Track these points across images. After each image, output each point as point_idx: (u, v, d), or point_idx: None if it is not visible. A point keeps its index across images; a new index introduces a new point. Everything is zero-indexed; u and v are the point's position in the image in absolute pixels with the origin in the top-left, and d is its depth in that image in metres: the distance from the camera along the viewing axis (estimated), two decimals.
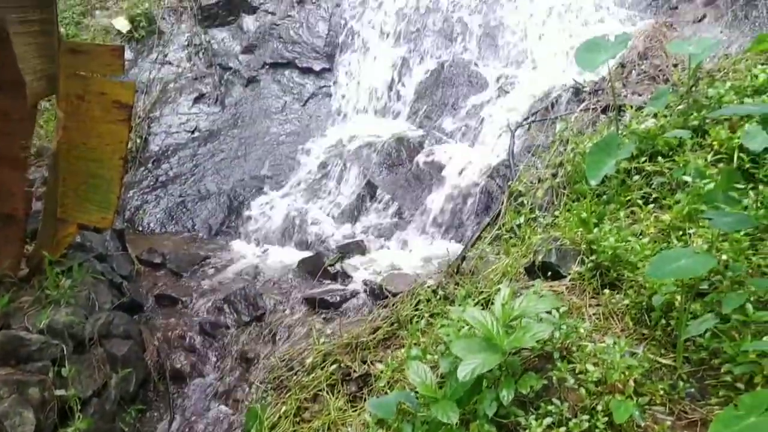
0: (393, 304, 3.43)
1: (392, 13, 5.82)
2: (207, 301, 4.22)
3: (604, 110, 4.29)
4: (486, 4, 5.63)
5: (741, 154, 3.05)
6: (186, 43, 6.25)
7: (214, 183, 5.51)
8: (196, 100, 5.97)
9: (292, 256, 4.74)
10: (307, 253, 4.67)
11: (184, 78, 6.08)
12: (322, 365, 3.17)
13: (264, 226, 5.09)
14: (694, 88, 3.74)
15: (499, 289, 2.51)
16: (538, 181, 3.87)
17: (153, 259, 4.70)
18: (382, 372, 2.81)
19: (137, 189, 5.52)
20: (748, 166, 3.01)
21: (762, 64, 3.64)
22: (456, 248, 3.94)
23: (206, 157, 5.67)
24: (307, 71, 5.94)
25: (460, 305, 2.85)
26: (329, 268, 4.31)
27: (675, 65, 4.47)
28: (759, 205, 2.73)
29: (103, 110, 3.30)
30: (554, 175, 3.81)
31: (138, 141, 5.67)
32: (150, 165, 5.63)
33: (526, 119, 4.60)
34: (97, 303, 3.62)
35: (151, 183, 5.57)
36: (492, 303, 2.46)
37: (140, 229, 5.31)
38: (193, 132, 5.82)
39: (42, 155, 4.98)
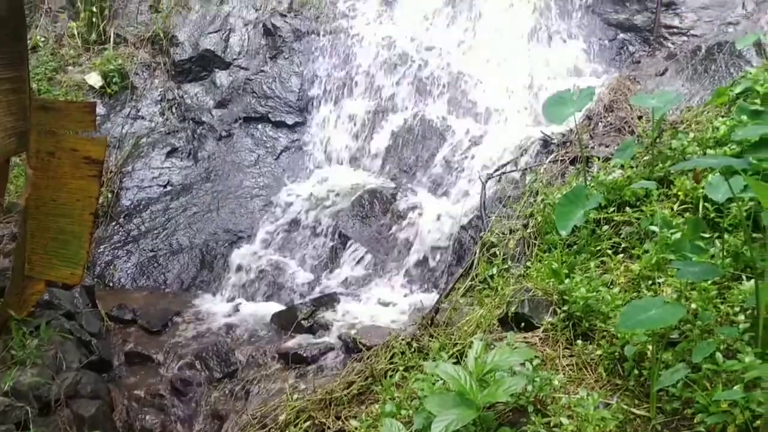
0: (367, 358, 3.40)
1: (364, 67, 5.92)
2: (178, 357, 4.14)
3: (573, 161, 4.37)
4: (456, 59, 5.76)
5: (706, 204, 3.12)
6: (159, 98, 6.28)
7: (186, 237, 5.48)
8: (169, 154, 5.97)
9: (265, 309, 4.69)
10: (280, 307, 4.64)
11: (157, 132, 6.09)
12: (296, 422, 3.11)
13: (237, 280, 5.05)
14: (658, 140, 3.84)
15: (472, 342, 2.51)
16: (510, 232, 3.90)
17: (123, 316, 4.63)
18: (356, 429, 2.77)
19: (108, 244, 5.46)
20: (713, 215, 3.08)
21: (722, 117, 3.76)
22: (430, 299, 3.94)
23: (178, 211, 5.64)
24: (280, 125, 5.99)
25: (434, 358, 2.84)
26: (303, 321, 4.28)
27: (639, 117, 4.60)
28: (725, 253, 2.78)
29: (73, 166, 3.29)
30: (525, 226, 3.85)
31: (109, 196, 5.63)
32: (121, 220, 5.58)
33: (496, 171, 4.66)
34: (65, 362, 3.53)
35: (123, 238, 5.52)
36: (466, 356, 2.45)
37: (111, 284, 5.23)
38: (165, 186, 5.80)
39: (11, 212, 4.91)
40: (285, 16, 6.31)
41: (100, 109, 6.15)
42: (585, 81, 5.40)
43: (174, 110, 6.22)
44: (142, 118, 6.19)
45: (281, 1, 6.45)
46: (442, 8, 6.03)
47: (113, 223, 5.61)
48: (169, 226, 5.56)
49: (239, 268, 5.13)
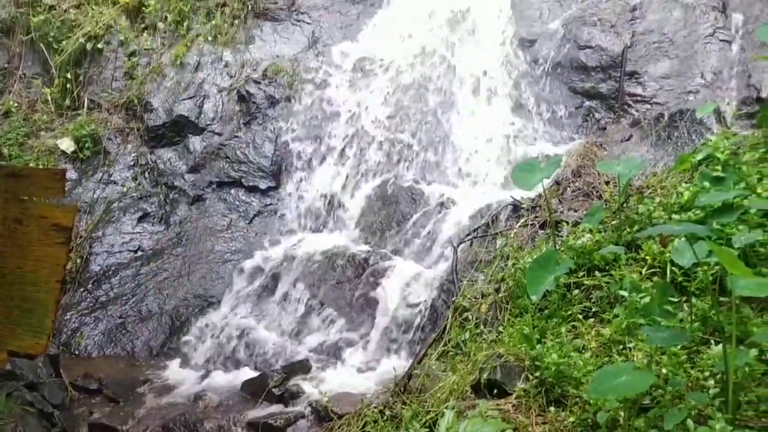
0: (339, 427, 3.33)
1: (337, 133, 6.00)
2: (144, 428, 4.02)
3: (543, 226, 4.43)
4: (427, 126, 5.86)
5: (673, 268, 3.17)
6: (132, 162, 6.28)
7: (156, 303, 5.39)
8: (140, 219, 5.93)
9: (235, 377, 4.60)
10: (251, 374, 4.54)
11: (129, 197, 6.07)
12: None
13: (207, 347, 4.97)
14: (625, 205, 3.92)
15: (444, 412, 2.48)
16: (482, 297, 3.92)
17: (88, 385, 4.50)
18: None
19: (75, 311, 5.35)
20: (680, 279, 3.13)
21: (686, 182, 3.86)
22: (403, 365, 3.90)
23: (149, 276, 5.57)
24: (253, 190, 6.00)
25: (406, 428, 2.80)
26: (274, 389, 4.19)
27: (607, 182, 4.69)
28: (693, 317, 2.82)
29: (41, 233, 3.23)
30: (497, 290, 3.87)
31: (78, 261, 5.55)
32: (90, 286, 5.50)
33: (468, 235, 4.70)
34: None
35: (91, 304, 5.42)
36: (438, 425, 2.42)
37: (77, 352, 5.10)
38: (136, 251, 5.74)
39: None
40: (259, 83, 6.40)
41: (72, 174, 6.13)
42: (553, 147, 5.53)
43: (147, 175, 6.22)
44: (114, 182, 6.17)
45: (255, 68, 6.56)
46: (414, 80, 6.14)
47: (81, 290, 5.52)
48: (139, 292, 5.48)
49: (210, 335, 5.05)
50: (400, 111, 6.03)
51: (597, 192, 4.66)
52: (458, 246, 4.56)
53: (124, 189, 6.10)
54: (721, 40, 5.55)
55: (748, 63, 5.27)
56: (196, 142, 6.30)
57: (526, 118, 5.82)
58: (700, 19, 5.64)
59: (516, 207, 4.77)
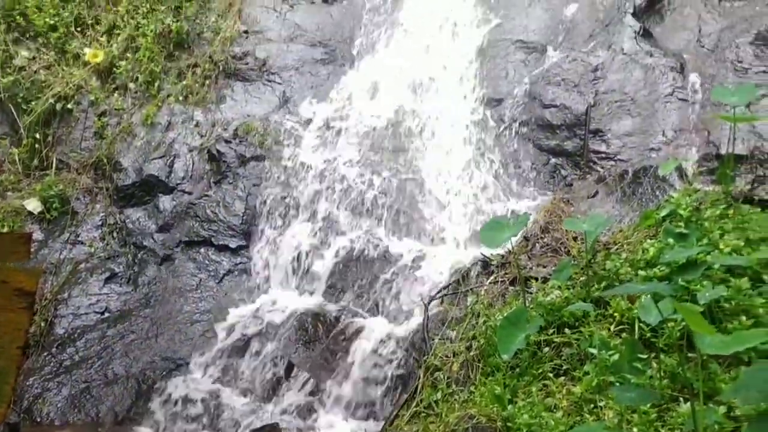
0: None
1: (307, 192, 6.02)
2: None
3: (512, 282, 4.46)
4: (397, 183, 5.91)
5: (641, 324, 3.19)
6: (100, 222, 6.22)
7: (122, 366, 5.27)
8: (108, 280, 5.84)
9: None
10: None
11: (96, 258, 5.98)
12: None
13: (173, 411, 4.84)
14: (592, 261, 3.97)
15: None
16: (453, 355, 3.90)
17: None
18: None
19: (38, 376, 5.19)
20: (648, 335, 3.15)
21: (651, 238, 3.93)
22: (375, 427, 3.84)
23: (115, 339, 5.46)
24: (223, 248, 5.96)
25: None
26: None
27: (575, 238, 4.76)
28: (662, 374, 2.83)
29: (3, 299, 3.19)
30: (468, 349, 3.85)
31: (42, 325, 5.42)
32: (54, 349, 5.35)
33: (438, 293, 4.70)
34: None
35: (54, 368, 5.26)
36: None
37: (39, 419, 4.93)
38: (102, 313, 5.63)
39: None
40: (230, 142, 6.43)
41: (38, 235, 6.04)
42: (522, 203, 5.61)
43: (115, 235, 6.15)
44: (82, 243, 6.09)
45: (226, 127, 6.59)
46: (383, 139, 6.22)
47: (45, 354, 5.36)
48: (105, 355, 5.35)
49: (177, 398, 4.92)
50: (370, 168, 6.09)
51: (565, 248, 4.71)
52: (429, 303, 4.56)
53: (92, 249, 6.02)
54: (680, 99, 5.72)
55: (707, 121, 5.43)
56: (165, 202, 6.28)
57: (494, 176, 5.91)
58: (660, 79, 5.82)
59: (486, 263, 4.80)
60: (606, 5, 6.43)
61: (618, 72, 5.97)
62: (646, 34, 6.17)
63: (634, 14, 6.25)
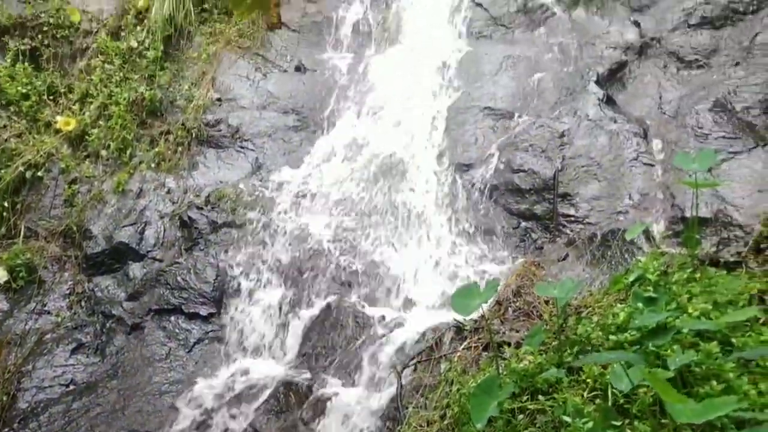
0: None
1: (279, 258, 6.00)
2: None
3: (486, 348, 4.44)
4: (370, 248, 5.93)
5: (614, 390, 3.19)
6: (68, 291, 6.12)
7: None
8: (74, 350, 5.71)
9: None
10: None
11: (63, 328, 5.86)
12: None
13: None
14: (564, 326, 3.98)
15: None
16: (428, 424, 3.84)
17: None
18: None
19: None
20: (622, 401, 3.14)
21: (621, 302, 3.96)
22: None
23: (80, 412, 5.29)
24: (194, 317, 5.88)
25: None
26: None
27: (546, 302, 4.78)
28: None
29: None
30: (442, 417, 3.80)
31: (5, 399, 5.25)
32: (16, 425, 5.17)
33: (411, 360, 4.66)
34: None
35: None
36: None
37: None
38: (67, 386, 5.48)
39: None
40: (202, 208, 6.43)
41: (3, 305, 5.93)
42: (493, 267, 5.64)
43: (83, 304, 6.05)
44: (48, 312, 5.97)
45: (198, 194, 6.60)
46: (356, 204, 6.27)
47: (7, 429, 5.19)
48: (70, 430, 5.18)
49: None
50: (344, 234, 6.10)
51: (537, 311, 4.72)
52: (402, 371, 4.51)
53: (59, 319, 5.90)
54: (644, 164, 5.87)
55: (671, 185, 5.57)
56: (136, 269, 6.21)
57: (466, 240, 5.96)
58: (624, 144, 5.98)
59: (459, 329, 4.78)
60: (570, 73, 6.64)
61: (584, 137, 6.12)
62: (609, 101, 6.37)
63: (597, 82, 6.46)
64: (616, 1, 6.91)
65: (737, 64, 6.15)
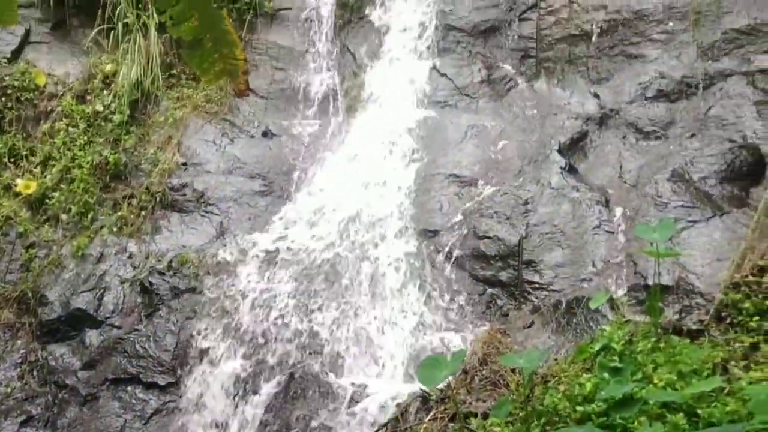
0: None
1: (243, 326, 5.87)
2: None
3: (452, 419, 4.36)
4: (336, 316, 5.84)
5: None
6: (19, 360, 5.90)
7: None
8: (24, 423, 5.47)
9: None
10: None
11: (13, 399, 5.62)
12: None
13: None
14: (531, 396, 3.94)
15: None
16: None
17: None
18: None
19: None
20: None
21: (587, 372, 3.95)
22: None
23: None
24: (151, 386, 5.69)
25: None
26: None
27: (513, 370, 4.73)
28: None
29: None
30: None
31: None
32: None
33: (377, 431, 4.55)
34: None
35: None
36: None
37: None
38: None
39: None
40: (163, 274, 6.31)
41: None
42: (459, 335, 5.59)
43: (35, 373, 5.83)
44: None
45: (161, 259, 6.49)
46: (322, 272, 6.22)
47: None
48: None
49: None
50: (310, 300, 6.02)
51: (504, 380, 4.68)
52: None
53: (8, 390, 5.67)
54: (607, 231, 5.96)
55: (634, 252, 5.64)
56: (92, 337, 6.03)
57: (432, 307, 5.92)
58: (587, 212, 6.08)
59: (425, 399, 4.69)
60: (533, 143, 6.77)
61: (547, 205, 6.20)
62: (571, 170, 6.49)
63: (559, 151, 6.59)
64: (576, 73, 7.13)
65: (693, 135, 6.35)
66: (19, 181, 6.86)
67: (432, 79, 7.39)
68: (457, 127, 7.04)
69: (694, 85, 6.56)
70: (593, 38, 7.06)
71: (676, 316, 5.07)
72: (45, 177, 7.00)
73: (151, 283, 6.25)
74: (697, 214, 5.73)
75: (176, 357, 5.81)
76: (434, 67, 7.43)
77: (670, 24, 6.82)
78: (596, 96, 6.95)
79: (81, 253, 6.50)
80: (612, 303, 5.08)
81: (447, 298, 6.02)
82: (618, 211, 6.08)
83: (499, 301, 5.95)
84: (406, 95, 7.39)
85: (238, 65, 3.89)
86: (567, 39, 7.17)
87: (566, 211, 6.12)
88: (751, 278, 4.68)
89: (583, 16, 7.12)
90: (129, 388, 5.70)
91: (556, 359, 4.75)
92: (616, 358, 3.64)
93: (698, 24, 6.71)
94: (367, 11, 7.86)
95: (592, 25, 7.07)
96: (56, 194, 6.84)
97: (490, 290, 6.02)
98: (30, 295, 6.24)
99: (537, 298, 5.80)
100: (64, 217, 6.80)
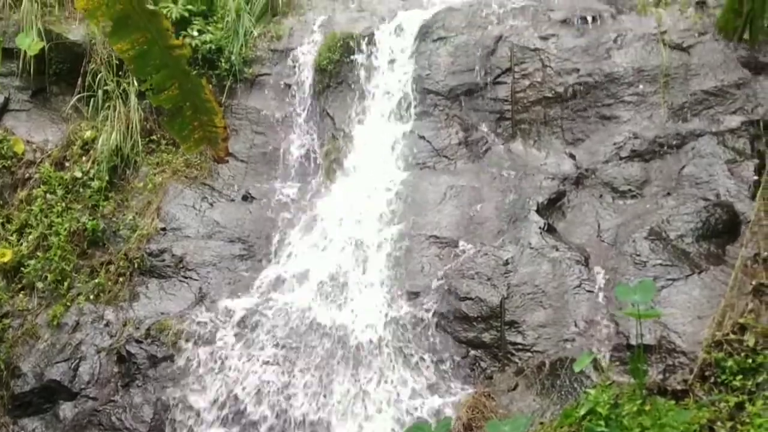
0: None
1: (221, 393, 5.75)
2: None
3: None
4: (315, 382, 5.74)
5: None
6: None
7: None
8: None
9: None
10: None
11: None
12: None
13: None
14: None
15: None
16: None
17: None
18: None
19: None
20: None
21: None
22: None
23: None
24: None
25: None
26: None
27: None
28: None
29: None
30: None
31: None
32: None
33: None
34: None
35: None
36: None
37: None
38: None
39: None
40: (141, 342, 6.19)
41: None
42: (443, 400, 5.51)
43: None
44: None
45: (138, 326, 6.38)
46: (303, 337, 6.14)
47: None
48: None
49: None
50: (289, 368, 5.93)
51: None
52: None
53: None
54: (587, 291, 5.97)
55: (615, 312, 5.64)
56: (67, 409, 5.86)
57: (414, 371, 5.84)
58: (567, 272, 6.09)
59: None
60: (512, 203, 6.81)
61: (528, 265, 6.22)
62: (550, 230, 6.53)
63: (538, 211, 6.65)
64: (551, 134, 7.25)
65: (668, 194, 6.45)
66: None
67: (410, 142, 7.47)
68: (437, 188, 7.09)
69: (666, 145, 6.70)
70: (567, 100, 7.21)
71: (660, 376, 5.05)
72: (21, 245, 6.92)
73: (128, 352, 6.13)
74: (675, 272, 5.78)
75: (153, 428, 5.66)
76: (412, 130, 7.52)
77: (641, 86, 7.01)
78: (572, 156, 7.06)
79: (56, 322, 6.38)
80: (596, 364, 5.06)
81: (430, 361, 5.94)
82: (598, 270, 6.11)
83: (482, 363, 5.89)
84: (385, 157, 7.45)
85: (217, 133, 3.93)
86: (541, 101, 7.32)
87: (547, 271, 6.14)
88: (732, 336, 4.71)
89: (556, 79, 7.29)
90: None
91: (542, 423, 4.70)
92: (602, 422, 3.61)
93: (668, 86, 6.91)
94: (345, 76, 7.99)
95: (565, 88, 7.23)
96: (32, 262, 6.74)
97: (473, 352, 5.97)
98: (2, 366, 6.08)
99: (521, 359, 5.76)
100: (39, 285, 6.69)
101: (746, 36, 6.74)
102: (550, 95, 7.29)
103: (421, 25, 7.90)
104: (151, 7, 3.68)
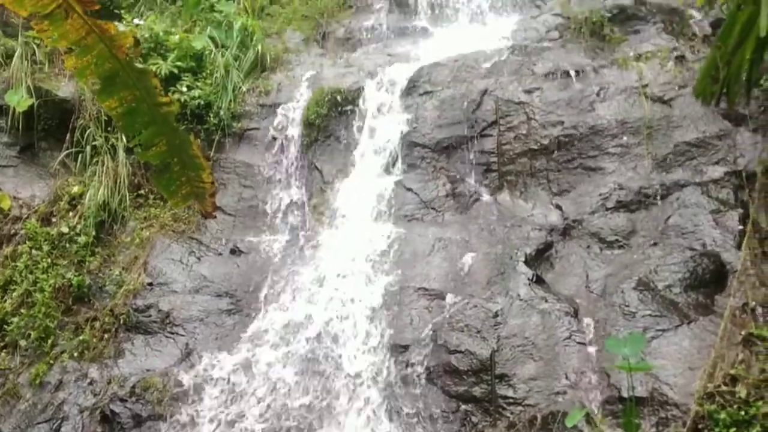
0: None
1: None
2: None
3: None
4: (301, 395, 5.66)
5: None
6: None
7: None
8: None
9: None
10: None
11: None
12: None
13: None
14: None
15: None
16: None
17: None
18: None
19: None
20: None
21: None
22: None
23: None
24: None
25: None
26: None
27: None
28: None
29: None
30: None
31: None
32: None
33: None
34: None
35: None
36: None
37: None
38: None
39: None
40: (126, 400, 6.07)
41: None
42: None
43: None
44: None
45: (123, 384, 6.26)
46: (292, 395, 6.05)
47: None
48: None
49: None
50: (278, 423, 5.83)
51: None
52: None
53: None
54: (578, 342, 5.94)
55: (605, 364, 5.60)
56: None
57: (403, 426, 5.75)
58: (556, 324, 6.07)
59: None
60: (500, 254, 6.81)
61: (517, 317, 6.18)
62: (539, 281, 6.53)
63: (526, 262, 6.65)
64: (538, 186, 7.30)
65: (655, 244, 6.48)
66: None
67: (398, 194, 7.50)
68: (425, 240, 7.09)
69: (651, 196, 6.77)
70: (552, 152, 7.29)
71: (653, 430, 5.00)
72: (5, 302, 6.82)
73: (112, 411, 6.00)
74: (665, 322, 5.77)
75: None
76: (400, 182, 7.56)
77: (625, 138, 7.11)
78: (559, 207, 7.10)
79: (39, 381, 6.25)
80: (588, 418, 4.99)
81: (420, 416, 5.86)
82: (587, 321, 6.09)
83: (473, 418, 5.80)
84: (373, 210, 7.47)
85: (205, 188, 3.93)
86: (527, 153, 7.39)
87: (536, 323, 6.10)
88: (724, 388, 4.68)
89: (541, 131, 7.38)
90: None
91: None
92: None
93: (651, 138, 7.01)
94: (333, 130, 8.06)
95: (550, 140, 7.32)
96: (15, 319, 6.64)
97: (464, 406, 5.88)
98: None
99: (512, 413, 5.68)
100: (23, 342, 6.57)
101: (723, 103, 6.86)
102: (535, 147, 7.37)
103: (407, 79, 8.02)
104: (139, 65, 3.71)
